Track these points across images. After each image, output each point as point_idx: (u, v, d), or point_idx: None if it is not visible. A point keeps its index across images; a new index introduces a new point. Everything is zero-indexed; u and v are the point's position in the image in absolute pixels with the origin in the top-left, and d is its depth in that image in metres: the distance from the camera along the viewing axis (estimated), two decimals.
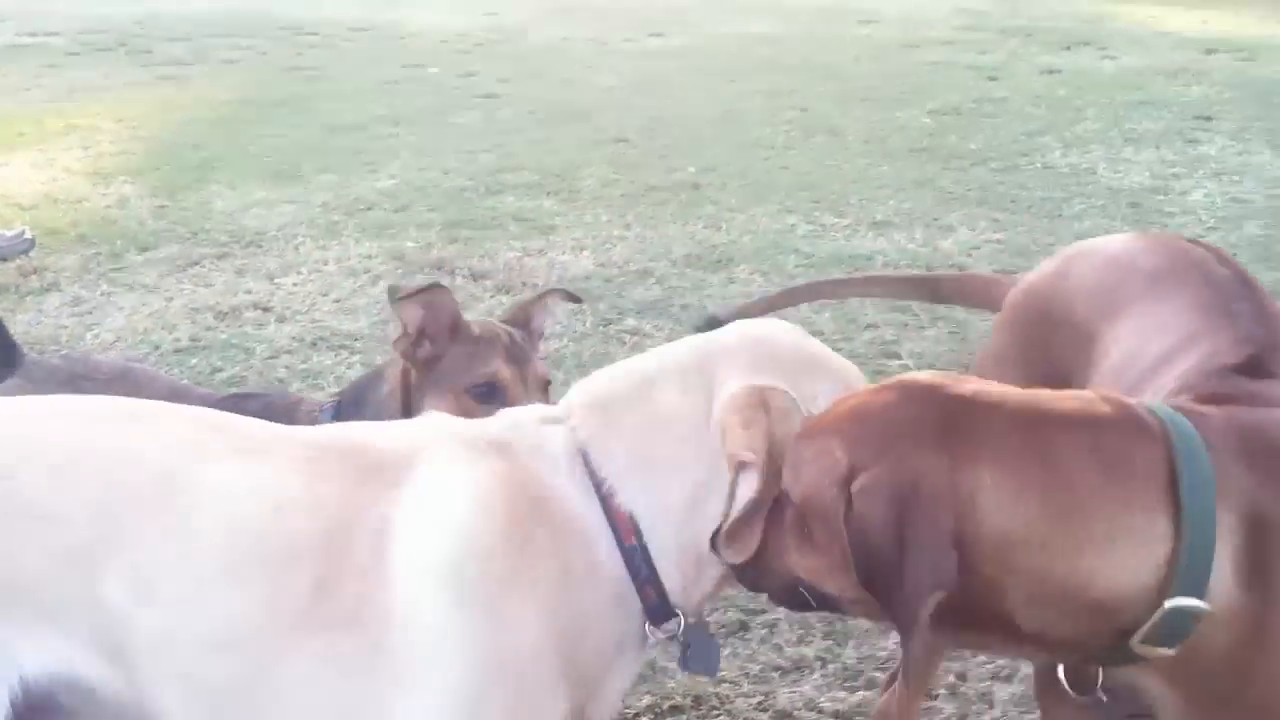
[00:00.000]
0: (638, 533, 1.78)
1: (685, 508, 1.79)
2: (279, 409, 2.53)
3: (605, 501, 1.78)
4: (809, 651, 3.12)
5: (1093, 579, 1.57)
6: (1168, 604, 1.55)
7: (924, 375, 1.70)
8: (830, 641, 3.16)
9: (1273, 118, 9.29)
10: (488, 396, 2.41)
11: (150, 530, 1.62)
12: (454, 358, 2.45)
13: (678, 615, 1.83)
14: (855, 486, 1.56)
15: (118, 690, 1.64)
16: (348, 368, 4.93)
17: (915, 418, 1.60)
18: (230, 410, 2.16)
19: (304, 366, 4.96)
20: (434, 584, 1.65)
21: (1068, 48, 13.21)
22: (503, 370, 2.47)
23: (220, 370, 4.92)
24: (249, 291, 5.87)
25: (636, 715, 2.93)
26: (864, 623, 3.18)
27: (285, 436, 1.78)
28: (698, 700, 2.95)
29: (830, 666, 3.06)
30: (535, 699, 1.70)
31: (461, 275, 6.08)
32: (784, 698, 2.92)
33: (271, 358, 5.06)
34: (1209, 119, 9.31)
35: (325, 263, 6.31)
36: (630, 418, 1.82)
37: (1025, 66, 12.10)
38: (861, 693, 2.94)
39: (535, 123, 9.97)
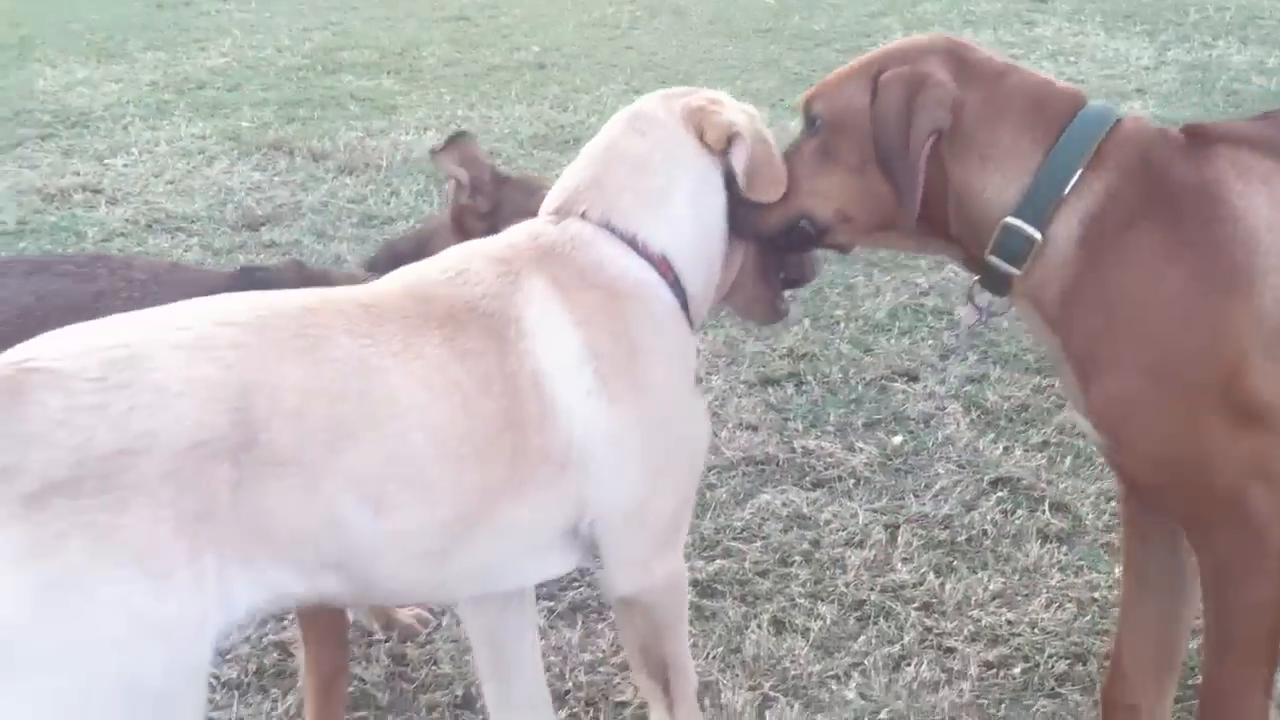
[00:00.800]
0: (670, 267, 2.07)
1: (691, 222, 2.10)
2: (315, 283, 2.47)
3: (644, 254, 2.05)
4: None
5: (985, 186, 1.98)
6: (1005, 220, 1.95)
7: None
8: None
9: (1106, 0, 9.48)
10: None
11: (372, 458, 1.70)
12: (510, 200, 2.53)
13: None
14: (881, 79, 2.00)
15: (334, 588, 1.76)
16: (185, 250, 4.75)
17: (926, 46, 2.06)
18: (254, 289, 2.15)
19: (139, 249, 4.77)
20: (589, 402, 1.89)
21: None
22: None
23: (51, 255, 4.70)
24: (77, 173, 5.61)
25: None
26: (721, 495, 3.22)
27: (404, 321, 1.82)
28: None
29: (689, 538, 3.02)
30: (686, 428, 2.08)
31: (301, 156, 5.89)
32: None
33: (104, 241, 4.85)
34: (1045, 1, 9.45)
35: (156, 143, 6.05)
36: (618, 177, 2.09)
37: None
38: (719, 562, 2.96)
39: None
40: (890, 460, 3.42)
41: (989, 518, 3.13)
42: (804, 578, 2.94)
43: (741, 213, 2.14)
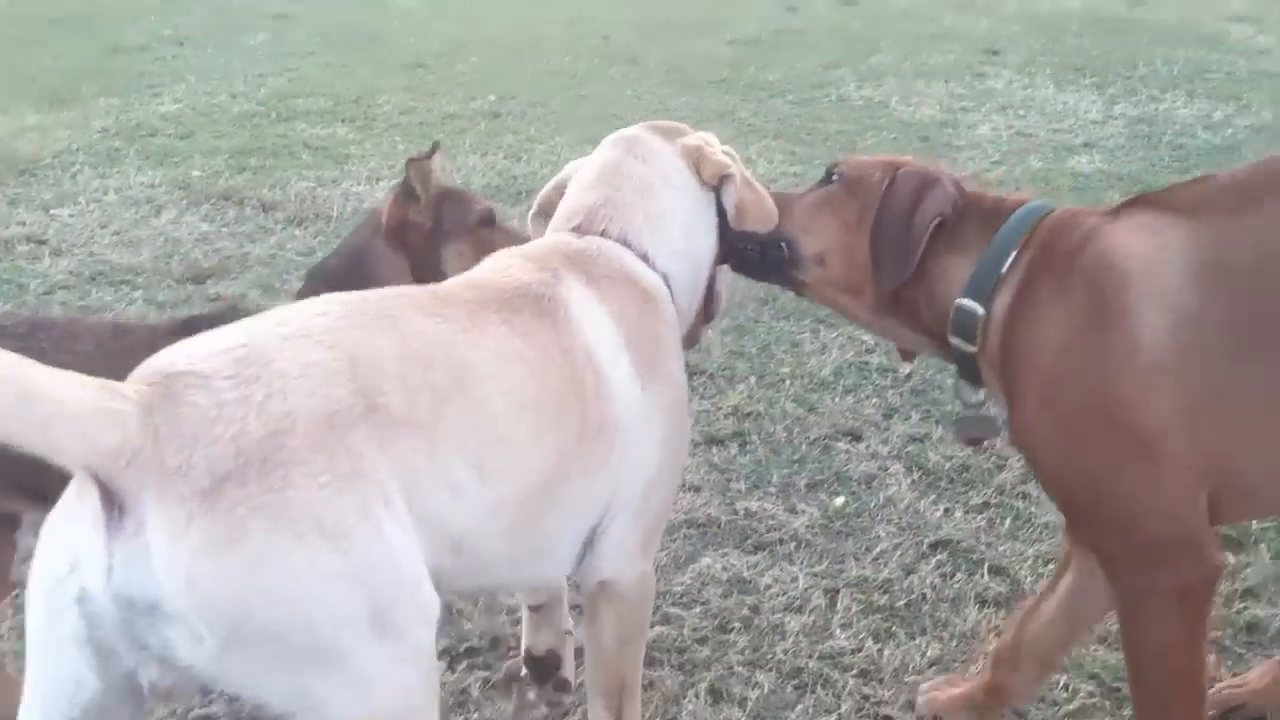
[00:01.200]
0: (666, 281, 2.31)
1: (685, 247, 2.37)
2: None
3: (654, 269, 2.28)
4: None
5: (950, 273, 2.24)
6: (957, 301, 2.20)
7: None
8: None
9: (1056, 52, 9.59)
10: (490, 223, 2.73)
11: (468, 422, 1.84)
12: (450, 213, 2.69)
13: None
14: (899, 172, 2.33)
15: (447, 567, 1.84)
16: (129, 304, 4.71)
17: (938, 169, 2.38)
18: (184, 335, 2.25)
19: (81, 303, 4.73)
20: (628, 384, 2.09)
21: None
22: (486, 202, 2.82)
23: None
24: (22, 223, 5.56)
25: None
26: (661, 559, 3.21)
27: (465, 304, 1.98)
28: (495, 641, 2.93)
29: None
30: (687, 421, 2.32)
31: (251, 206, 5.87)
32: (580, 634, 2.91)
33: (47, 294, 4.81)
34: (996, 53, 9.56)
35: (105, 192, 6.02)
36: (629, 198, 2.32)
37: None
38: (657, 628, 2.94)
39: (328, 46, 9.67)
40: (832, 522, 3.42)
41: (928, 581, 3.13)
42: (742, 645, 2.93)
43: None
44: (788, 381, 4.19)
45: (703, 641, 2.94)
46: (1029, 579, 3.12)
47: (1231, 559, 3.21)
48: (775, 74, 8.85)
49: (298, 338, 1.73)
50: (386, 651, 1.65)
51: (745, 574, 3.18)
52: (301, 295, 2.63)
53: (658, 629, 2.95)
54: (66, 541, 1.56)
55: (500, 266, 2.14)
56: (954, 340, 2.23)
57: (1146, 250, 1.97)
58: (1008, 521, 3.36)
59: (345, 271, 2.64)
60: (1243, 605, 3.04)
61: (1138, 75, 8.78)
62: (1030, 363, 2.07)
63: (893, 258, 2.25)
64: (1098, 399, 1.97)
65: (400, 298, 1.94)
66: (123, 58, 9.02)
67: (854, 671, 2.83)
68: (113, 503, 1.51)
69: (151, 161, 6.53)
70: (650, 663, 2.84)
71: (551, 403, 1.97)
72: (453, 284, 2.08)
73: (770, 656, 2.89)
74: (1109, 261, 2.00)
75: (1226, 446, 1.94)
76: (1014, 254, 2.16)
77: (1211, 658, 2.86)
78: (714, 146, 2.44)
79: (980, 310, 2.17)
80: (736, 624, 3.00)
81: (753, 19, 10.94)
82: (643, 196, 2.33)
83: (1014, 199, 2.33)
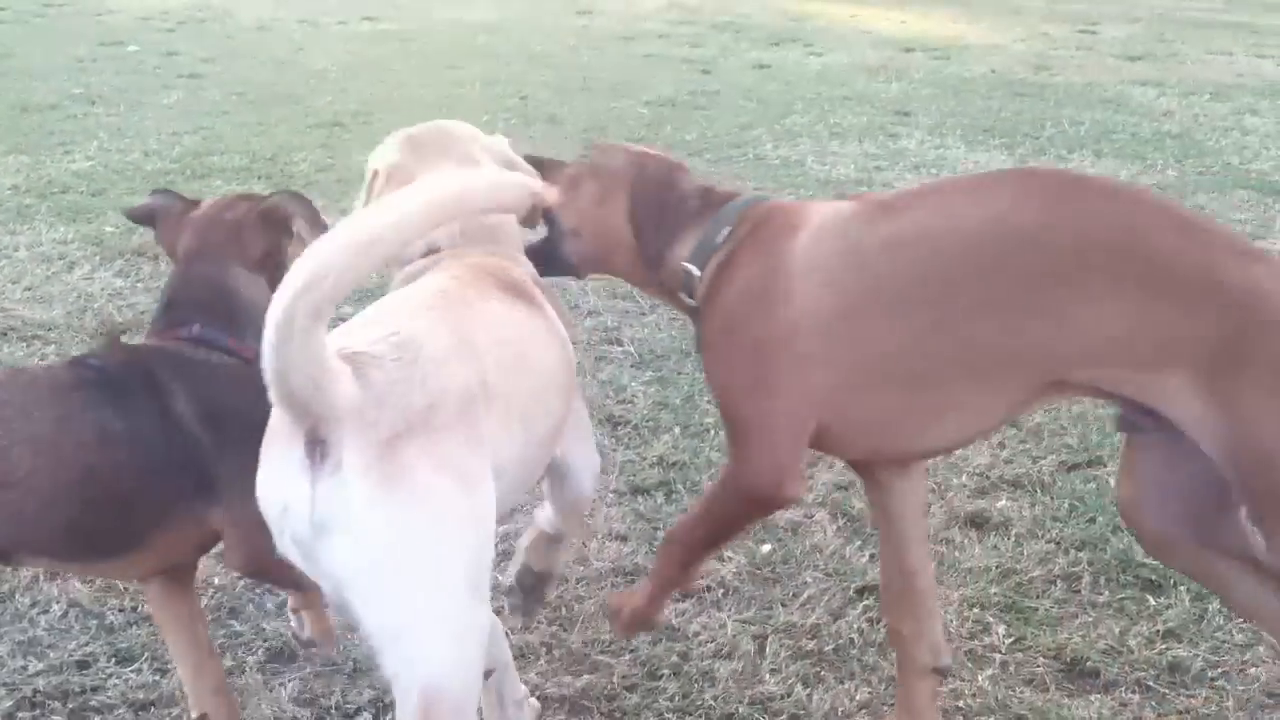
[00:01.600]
0: None
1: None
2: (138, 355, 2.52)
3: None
4: (534, 639, 3.09)
5: (683, 246, 2.58)
6: (681, 264, 2.58)
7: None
8: (556, 627, 3.14)
9: (966, 113, 9.80)
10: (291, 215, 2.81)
11: (526, 384, 2.30)
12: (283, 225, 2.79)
13: None
14: (642, 167, 2.66)
15: None
16: (41, 359, 4.61)
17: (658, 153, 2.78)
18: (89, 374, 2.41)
19: None
20: (572, 362, 2.58)
21: (776, 44, 13.62)
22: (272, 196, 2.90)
23: None
24: None
25: (358, 710, 2.85)
26: (589, 608, 3.19)
27: (494, 290, 2.40)
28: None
29: (555, 652, 3.04)
30: None
31: (165, 262, 5.73)
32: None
33: None
34: (908, 114, 9.74)
35: (15, 249, 5.91)
36: (500, 229, 2.67)
37: (736, 61, 12.42)
38: (586, 677, 2.93)
39: (243, 105, 9.62)
40: (759, 569, 3.42)
41: (855, 626, 3.14)
42: (672, 691, 2.91)
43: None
44: (712, 431, 4.20)
45: (632, 689, 2.92)
46: (954, 622, 3.14)
47: (1152, 601, 3.27)
48: (692, 134, 8.94)
49: (430, 328, 2.13)
50: (473, 611, 1.98)
51: (674, 621, 3.17)
52: (168, 326, 2.61)
53: (586, 678, 2.94)
54: (280, 487, 1.95)
55: (490, 263, 2.51)
56: (682, 296, 2.61)
57: (813, 227, 2.44)
58: (931, 566, 3.38)
59: (219, 302, 2.64)
60: (1164, 646, 3.09)
61: (1045, 136, 8.99)
62: (719, 302, 2.50)
63: (657, 226, 2.62)
64: (755, 333, 2.42)
65: (458, 284, 2.36)
66: (33, 116, 8.90)
67: (784, 717, 2.83)
68: (314, 450, 1.90)
69: (64, 218, 6.43)
70: (579, 711, 2.83)
71: (558, 368, 2.46)
72: (469, 270, 2.44)
73: (700, 703, 2.87)
74: (787, 232, 2.47)
75: (838, 386, 2.38)
76: (728, 229, 2.55)
77: (1135, 698, 2.91)
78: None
79: (697, 271, 2.56)
80: (666, 671, 2.98)
81: (668, 82, 11.05)
82: (501, 220, 2.68)
83: (739, 187, 2.77)
